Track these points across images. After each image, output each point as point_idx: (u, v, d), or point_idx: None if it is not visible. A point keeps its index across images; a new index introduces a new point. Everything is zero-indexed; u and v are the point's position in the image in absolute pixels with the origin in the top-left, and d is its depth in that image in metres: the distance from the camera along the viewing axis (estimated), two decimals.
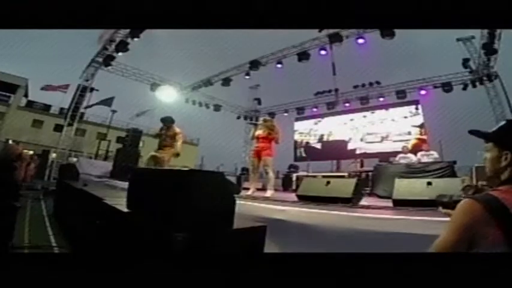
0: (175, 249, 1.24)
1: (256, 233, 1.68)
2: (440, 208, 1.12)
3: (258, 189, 4.80)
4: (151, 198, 1.68)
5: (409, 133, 10.89)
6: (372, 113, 12.14)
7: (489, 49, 9.27)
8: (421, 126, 10.72)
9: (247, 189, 7.00)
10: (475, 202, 0.82)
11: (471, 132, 0.99)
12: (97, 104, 13.27)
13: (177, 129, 5.27)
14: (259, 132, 4.87)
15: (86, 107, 12.53)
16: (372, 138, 11.79)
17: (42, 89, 15.68)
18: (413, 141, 10.49)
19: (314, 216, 2.37)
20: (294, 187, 8.47)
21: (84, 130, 18.92)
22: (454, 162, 5.66)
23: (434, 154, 6.41)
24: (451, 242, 0.83)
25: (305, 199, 3.55)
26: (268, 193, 4.53)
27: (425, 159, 6.23)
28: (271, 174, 4.74)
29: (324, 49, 10.62)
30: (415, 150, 7.45)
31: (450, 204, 1.06)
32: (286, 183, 10.04)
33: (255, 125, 5.08)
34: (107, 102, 13.57)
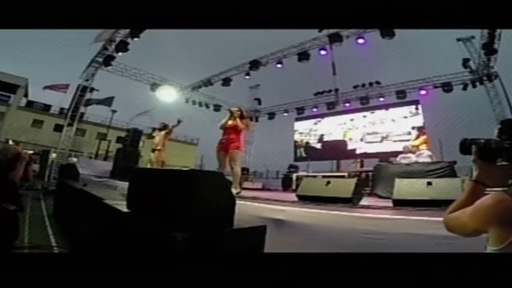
0: (176, 249, 1.24)
1: (256, 233, 1.69)
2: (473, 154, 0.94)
3: (257, 189, 4.70)
4: (151, 198, 1.68)
5: (409, 133, 10.89)
6: (372, 113, 12.14)
7: (489, 49, 9.26)
8: (421, 127, 10.74)
9: (247, 189, 6.96)
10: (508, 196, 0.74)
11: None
12: (97, 103, 13.27)
13: None
14: (228, 122, 4.32)
15: (86, 103, 12.43)
16: (372, 138, 11.79)
17: (45, 88, 15.71)
18: (421, 140, 10.43)
19: (314, 216, 2.36)
20: (294, 187, 8.46)
21: (84, 130, 18.95)
22: (454, 162, 5.64)
23: (425, 153, 6.33)
24: (467, 228, 0.83)
25: (305, 199, 3.54)
26: (233, 191, 4.36)
27: (420, 159, 6.22)
28: (237, 170, 4.21)
29: (324, 49, 10.62)
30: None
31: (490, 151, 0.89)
32: (286, 183, 10.04)
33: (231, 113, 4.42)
34: (107, 102, 13.58)
